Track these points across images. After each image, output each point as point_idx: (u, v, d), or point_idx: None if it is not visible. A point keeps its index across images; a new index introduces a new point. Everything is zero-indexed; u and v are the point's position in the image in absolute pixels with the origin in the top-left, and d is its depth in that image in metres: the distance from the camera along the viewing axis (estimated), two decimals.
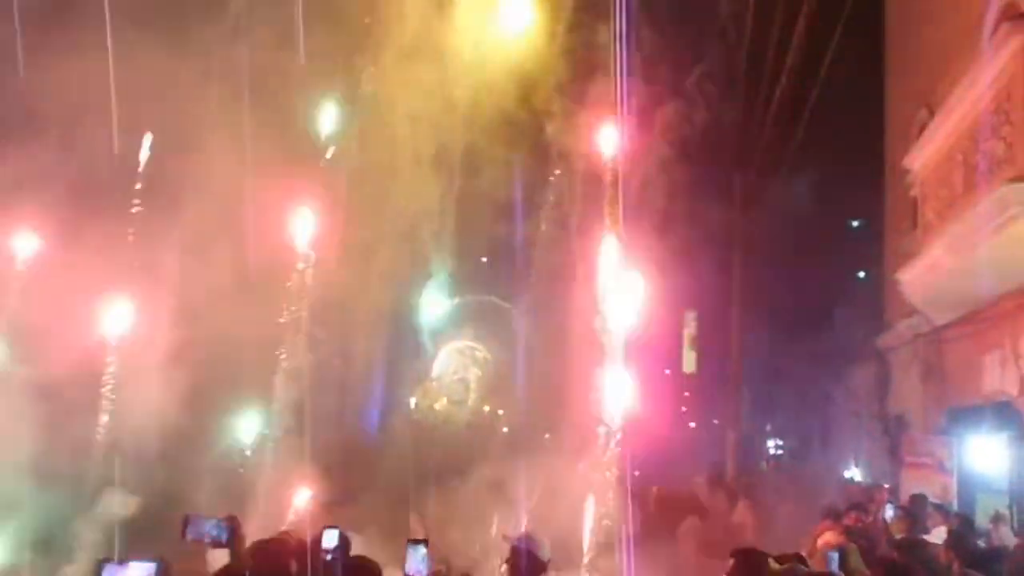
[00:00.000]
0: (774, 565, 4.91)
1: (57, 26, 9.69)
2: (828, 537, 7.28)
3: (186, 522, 4.27)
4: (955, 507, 10.44)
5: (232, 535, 4.43)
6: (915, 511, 9.25)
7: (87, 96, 9.43)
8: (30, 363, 9.08)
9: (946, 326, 13.24)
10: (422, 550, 3.79)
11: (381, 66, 12.11)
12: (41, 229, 9.80)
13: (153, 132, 10.81)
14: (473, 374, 20.37)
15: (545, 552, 5.69)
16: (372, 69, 12.23)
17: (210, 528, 4.32)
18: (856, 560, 5.94)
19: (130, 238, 10.20)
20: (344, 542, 4.93)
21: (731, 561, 4.98)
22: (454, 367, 20.56)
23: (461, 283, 14.44)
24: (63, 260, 9.46)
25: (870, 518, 9.53)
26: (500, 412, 18.80)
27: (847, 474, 16.64)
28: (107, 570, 3.30)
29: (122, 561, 3.32)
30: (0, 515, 8.59)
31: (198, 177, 10.01)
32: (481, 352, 20.47)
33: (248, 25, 10.46)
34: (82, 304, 9.45)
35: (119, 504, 8.52)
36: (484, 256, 16.96)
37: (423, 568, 3.77)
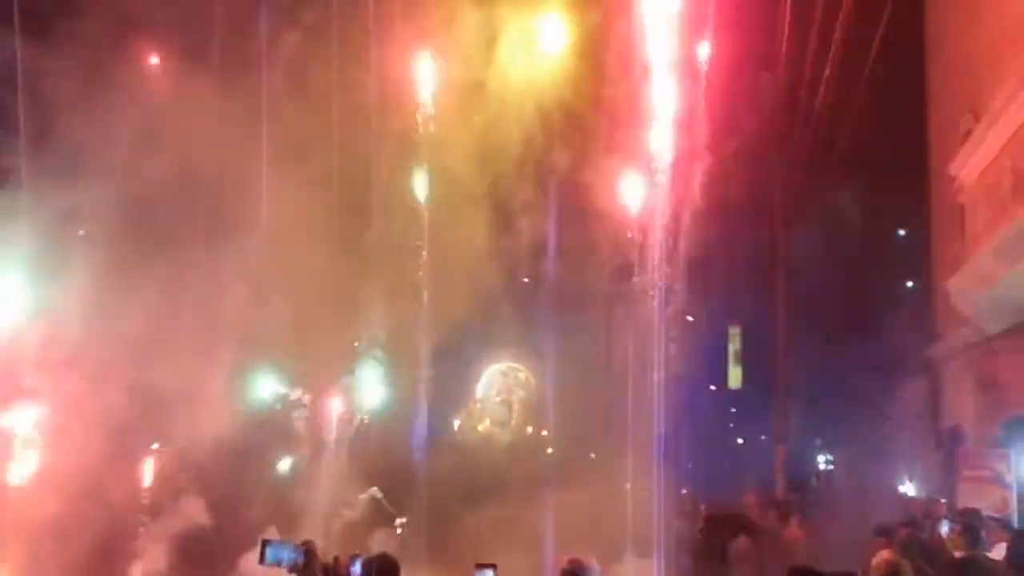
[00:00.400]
0: None
1: None
2: (884, 555, 7.10)
3: (264, 547, 4.34)
4: (1015, 521, 10.13)
5: (309, 559, 4.52)
6: (973, 525, 9.00)
7: None
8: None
9: (999, 335, 12.94)
10: (490, 574, 3.78)
11: None
12: None
13: None
14: (516, 395, 20.37)
15: (596, 574, 5.64)
16: None
17: (288, 553, 4.40)
18: None
19: None
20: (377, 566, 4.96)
21: None
22: (497, 389, 20.57)
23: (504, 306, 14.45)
24: None
25: (924, 533, 9.28)
26: (544, 433, 18.75)
27: (901, 489, 16.27)
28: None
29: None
30: None
31: None
32: (524, 373, 20.46)
33: None
34: None
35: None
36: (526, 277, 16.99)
37: None
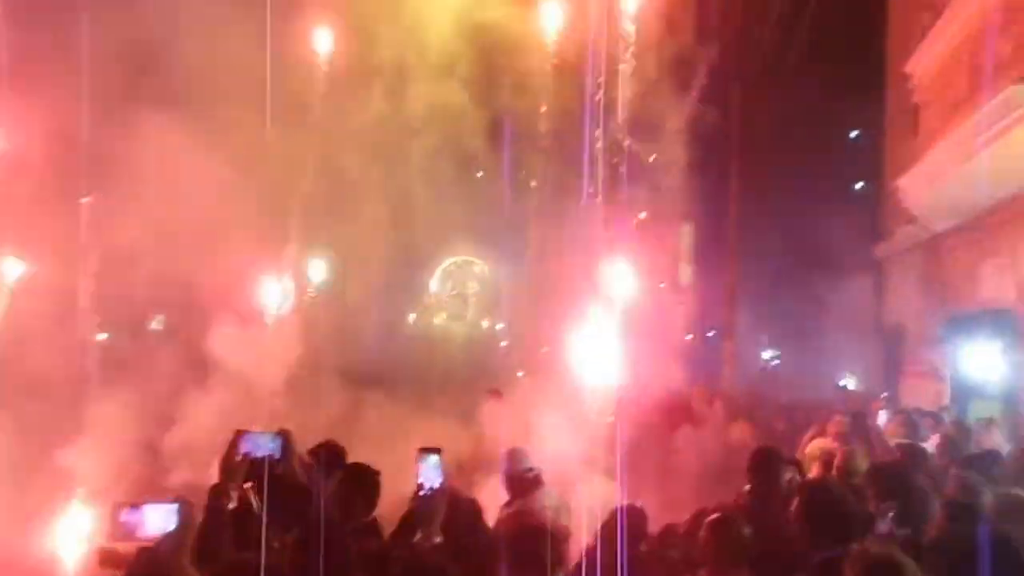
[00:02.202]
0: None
1: None
2: (819, 443, 7.29)
3: (237, 437, 4.17)
4: (949, 414, 10.49)
5: (286, 450, 4.38)
6: (911, 418, 9.30)
7: None
8: None
9: (945, 234, 13.16)
10: (434, 459, 3.71)
11: None
12: None
13: None
14: (471, 289, 20.36)
15: (528, 464, 5.74)
16: None
17: (265, 443, 4.23)
18: (851, 464, 5.94)
19: None
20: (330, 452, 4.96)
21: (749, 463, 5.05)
22: (452, 282, 20.54)
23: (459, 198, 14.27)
24: None
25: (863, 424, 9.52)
26: (499, 327, 18.84)
27: (842, 383, 16.76)
28: (124, 514, 3.18)
29: (136, 504, 3.19)
30: None
31: None
32: (479, 266, 20.41)
33: None
34: None
35: None
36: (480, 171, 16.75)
37: (436, 477, 3.69)
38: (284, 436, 4.40)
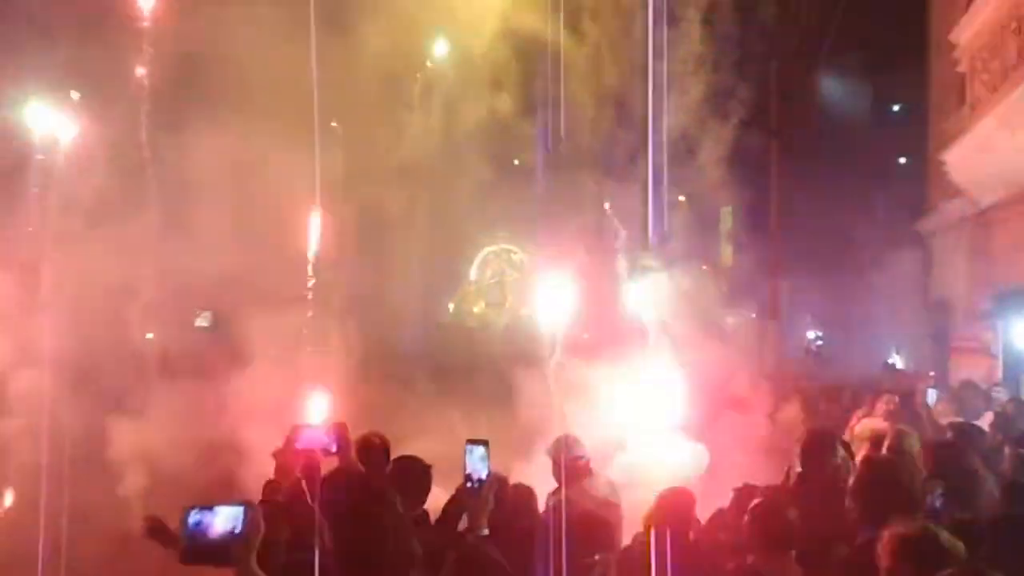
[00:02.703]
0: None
1: None
2: (868, 423, 7.19)
3: (295, 431, 4.19)
4: (1002, 391, 10.28)
5: (341, 443, 4.39)
6: (962, 396, 9.13)
7: None
8: None
9: (993, 207, 12.87)
10: (481, 450, 3.69)
11: None
12: None
13: None
14: (511, 276, 20.38)
15: (582, 451, 5.73)
16: None
17: (321, 436, 4.25)
18: (903, 444, 5.86)
19: None
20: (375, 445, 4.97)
21: (803, 445, 5.00)
22: (491, 270, 20.58)
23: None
24: None
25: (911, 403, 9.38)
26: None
27: (889, 362, 16.52)
28: (192, 516, 3.17)
29: (209, 506, 3.19)
30: None
31: None
32: (518, 255, 20.41)
33: None
34: None
35: None
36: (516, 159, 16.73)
37: (483, 468, 3.68)
38: (340, 429, 4.40)
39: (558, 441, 5.81)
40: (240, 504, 3.13)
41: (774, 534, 4.06)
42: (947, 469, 4.62)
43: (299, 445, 4.07)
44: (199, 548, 3.04)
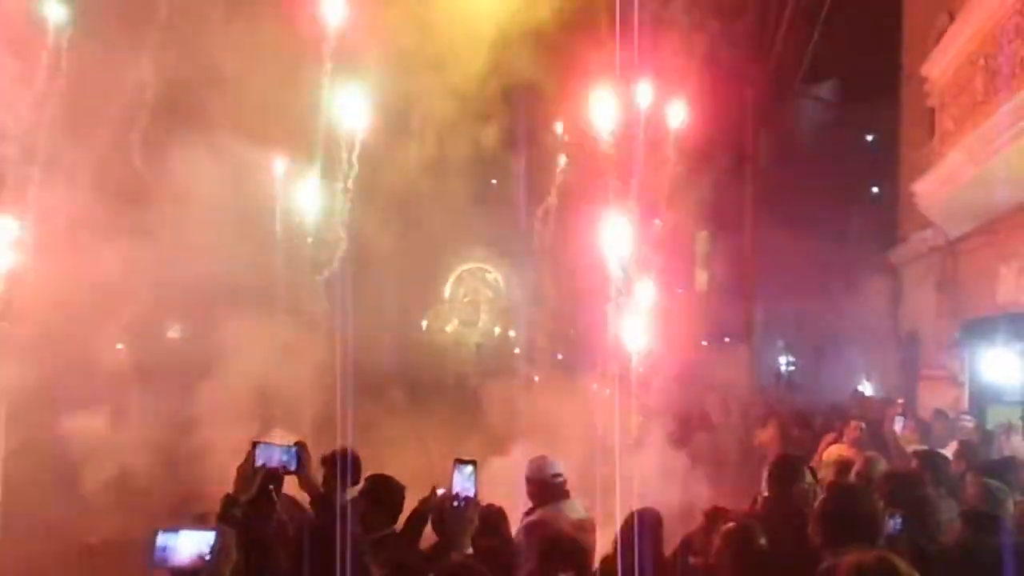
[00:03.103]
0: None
1: None
2: (835, 450, 7.26)
3: (254, 448, 4.16)
4: (968, 419, 10.42)
5: (300, 462, 4.37)
6: (928, 424, 9.25)
7: None
8: None
9: (961, 238, 13.08)
10: (469, 469, 3.70)
11: None
12: None
13: None
14: (484, 296, 20.40)
15: (557, 469, 5.71)
16: None
17: (281, 454, 4.22)
18: (871, 471, 5.92)
19: None
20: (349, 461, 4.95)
21: (771, 470, 5.04)
22: (465, 289, 20.57)
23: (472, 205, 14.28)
24: None
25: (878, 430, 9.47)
26: (512, 333, 18.85)
27: (859, 388, 16.67)
28: (160, 538, 3.13)
29: (174, 528, 3.15)
30: None
31: None
32: (492, 274, 20.45)
33: None
34: None
35: None
36: (494, 179, 16.78)
37: (470, 488, 3.69)
38: (300, 447, 4.39)
39: (535, 460, 5.80)
40: (211, 529, 3.10)
41: (744, 559, 4.08)
42: (901, 497, 4.66)
43: (258, 463, 4.06)
44: (168, 572, 3.01)
